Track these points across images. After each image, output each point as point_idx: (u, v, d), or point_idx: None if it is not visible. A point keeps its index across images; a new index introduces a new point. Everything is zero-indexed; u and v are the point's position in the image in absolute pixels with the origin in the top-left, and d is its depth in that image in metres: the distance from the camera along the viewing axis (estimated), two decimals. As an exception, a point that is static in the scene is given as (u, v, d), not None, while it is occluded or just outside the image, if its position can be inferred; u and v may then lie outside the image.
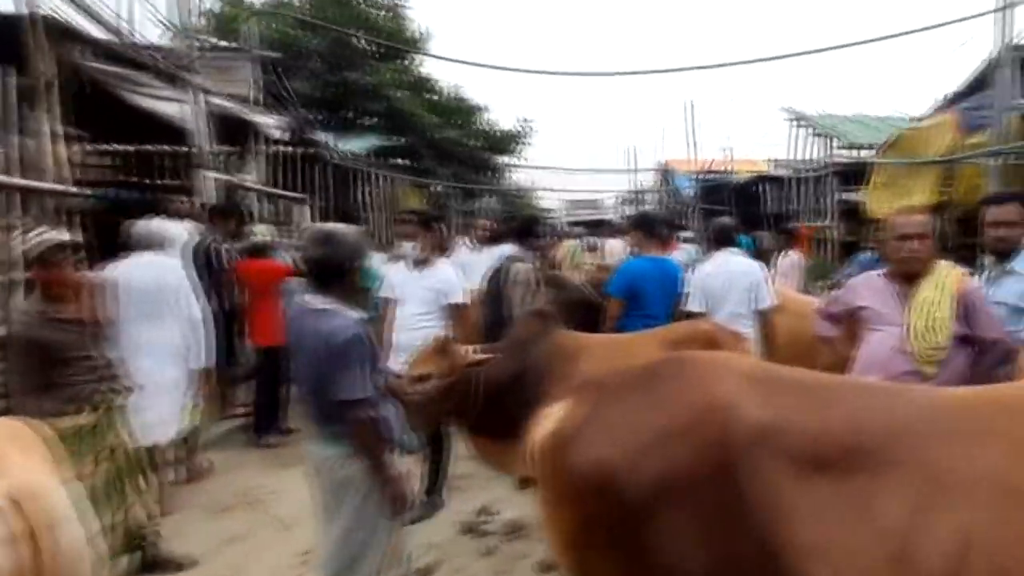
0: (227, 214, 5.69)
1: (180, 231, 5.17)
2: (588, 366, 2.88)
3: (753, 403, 1.43)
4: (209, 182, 6.63)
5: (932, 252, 2.78)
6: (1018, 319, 2.79)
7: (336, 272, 2.37)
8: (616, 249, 9.40)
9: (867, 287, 2.92)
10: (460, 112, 18.46)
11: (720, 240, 4.42)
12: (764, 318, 4.10)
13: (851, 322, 3.00)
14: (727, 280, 4.09)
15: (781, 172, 15.79)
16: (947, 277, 2.69)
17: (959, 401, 1.53)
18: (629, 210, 32.04)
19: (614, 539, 1.46)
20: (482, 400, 2.83)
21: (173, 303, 4.02)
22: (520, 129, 19.89)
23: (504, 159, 21.22)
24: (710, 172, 21.89)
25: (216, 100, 7.15)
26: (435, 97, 17.87)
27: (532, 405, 2.66)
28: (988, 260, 3.14)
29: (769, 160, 18.69)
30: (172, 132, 6.66)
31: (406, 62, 16.97)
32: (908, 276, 2.73)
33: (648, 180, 33.00)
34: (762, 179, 16.47)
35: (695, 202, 21.63)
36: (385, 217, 13.29)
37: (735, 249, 4.36)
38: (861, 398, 1.52)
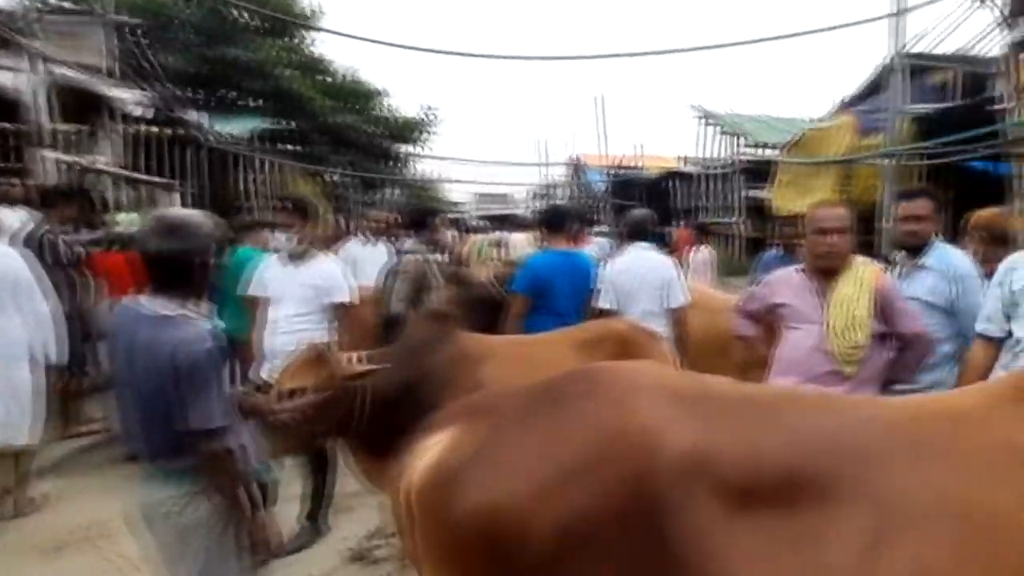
0: (68, 199, 4.99)
1: (11, 218, 4.57)
2: (494, 372, 2.65)
3: (679, 426, 1.27)
4: (49, 163, 5.87)
5: (850, 247, 2.76)
6: (929, 314, 2.86)
7: (182, 270, 1.97)
8: (520, 243, 9.29)
9: (785, 283, 2.87)
10: (357, 96, 17.63)
11: (633, 234, 4.26)
12: (677, 317, 4.01)
13: (769, 319, 2.95)
14: (638, 277, 3.95)
15: (691, 169, 16.38)
16: (864, 273, 2.67)
17: (907, 415, 1.41)
18: (540, 204, 32.44)
19: None
20: (368, 416, 2.54)
21: (14, 295, 3.65)
22: (424, 117, 19.23)
23: (407, 148, 20.47)
24: (621, 167, 22.47)
25: (60, 70, 6.36)
26: (328, 79, 16.97)
27: (423, 419, 2.46)
28: (899, 255, 3.19)
29: (679, 157, 19.40)
30: (4, 105, 5.89)
31: (295, 40, 16.04)
32: (826, 272, 2.69)
33: (560, 174, 33.56)
34: (672, 175, 17.04)
35: (607, 197, 22.14)
36: (272, 207, 12.57)
37: (646, 244, 4.19)
38: (802, 416, 1.38)
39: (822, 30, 8.65)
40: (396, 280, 3.83)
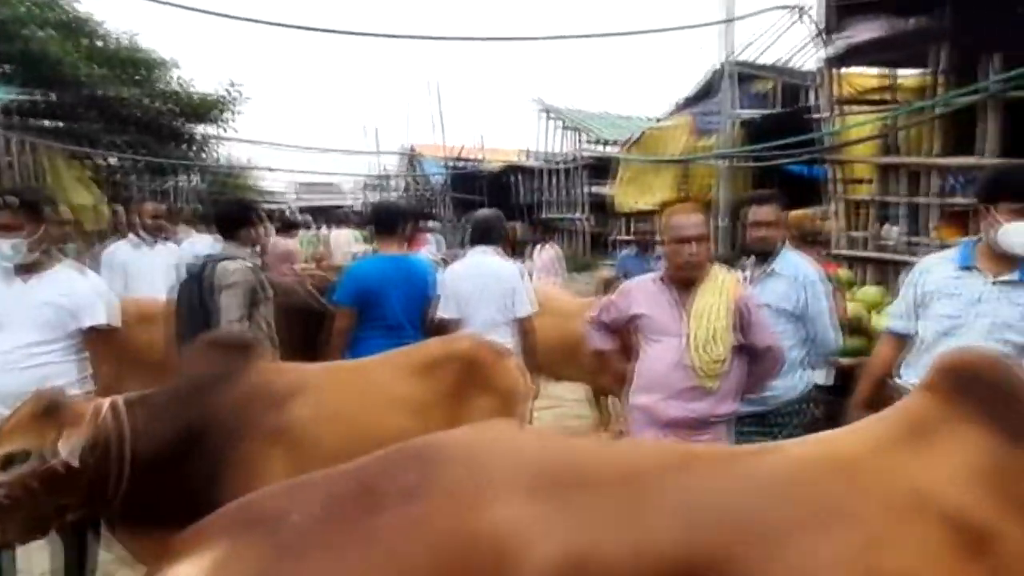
0: None
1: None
2: (305, 412, 2.29)
3: (546, 527, 1.08)
4: None
5: (709, 255, 2.75)
6: (779, 320, 2.97)
7: None
8: (343, 240, 8.60)
9: (642, 292, 2.81)
10: (136, 65, 15.50)
11: (477, 236, 3.97)
12: (525, 327, 3.80)
13: (624, 331, 2.90)
14: (481, 283, 3.71)
15: (533, 163, 16.87)
16: (724, 283, 2.68)
17: (801, 471, 1.32)
18: (373, 196, 31.55)
19: None
20: (132, 481, 2.03)
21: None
22: (226, 94, 17.19)
23: (206, 129, 18.37)
24: (460, 159, 22.52)
25: None
26: (99, 44, 14.71)
27: (218, 476, 2.04)
28: (748, 261, 3.28)
29: (520, 150, 19.88)
30: None
31: None
32: (686, 282, 2.68)
33: (393, 164, 32.87)
34: (514, 169, 17.41)
35: (445, 190, 22.06)
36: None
37: (490, 247, 3.90)
38: (691, 491, 1.24)
39: (654, 31, 9.30)
40: (223, 294, 3.27)
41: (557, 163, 15.04)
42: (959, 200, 6.23)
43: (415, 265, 3.84)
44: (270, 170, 27.77)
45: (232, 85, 17.69)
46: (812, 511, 1.20)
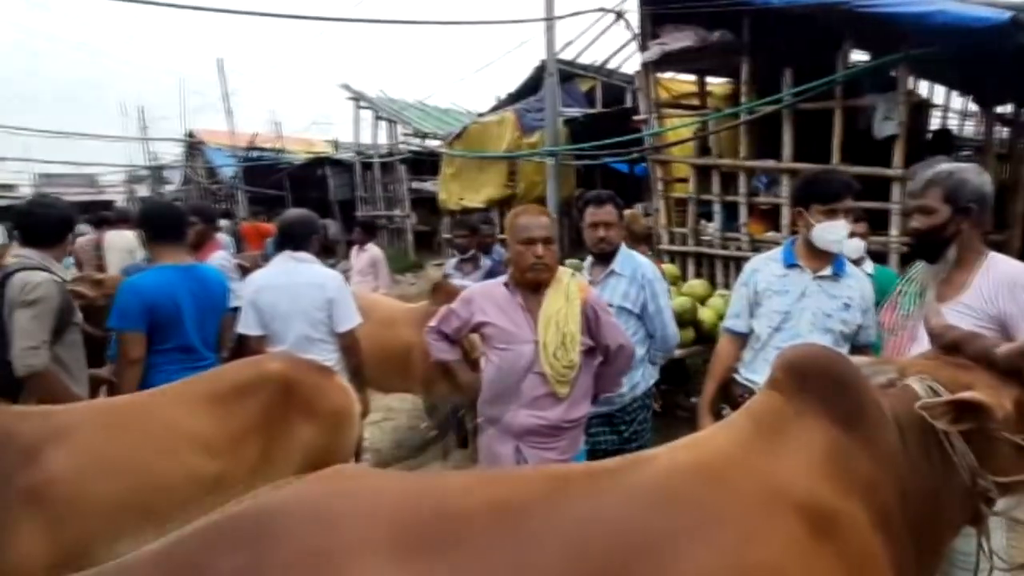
0: None
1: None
2: (67, 463, 2.03)
3: None
4: None
5: (557, 258, 2.78)
6: (623, 319, 3.17)
7: None
8: (122, 245, 7.32)
9: (488, 299, 2.81)
10: None
11: (286, 240, 3.65)
12: (348, 343, 3.56)
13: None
14: (292, 294, 3.44)
15: (347, 156, 16.40)
16: (572, 286, 2.74)
17: (668, 478, 1.42)
18: (145, 190, 28.59)
19: None
20: None
21: None
22: None
23: None
24: (255, 148, 21.20)
25: None
26: None
27: None
28: (587, 262, 3.49)
29: (330, 141, 19.22)
30: None
31: None
32: (533, 285, 2.72)
33: (173, 153, 30.04)
34: (324, 162, 16.79)
35: (237, 183, 20.65)
36: None
37: (301, 252, 3.60)
38: (568, 521, 1.26)
39: (472, 23, 9.65)
40: (25, 311, 2.87)
41: (373, 156, 14.79)
42: (763, 199, 7.34)
43: (206, 275, 3.40)
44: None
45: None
46: (691, 519, 1.32)
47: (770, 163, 7.04)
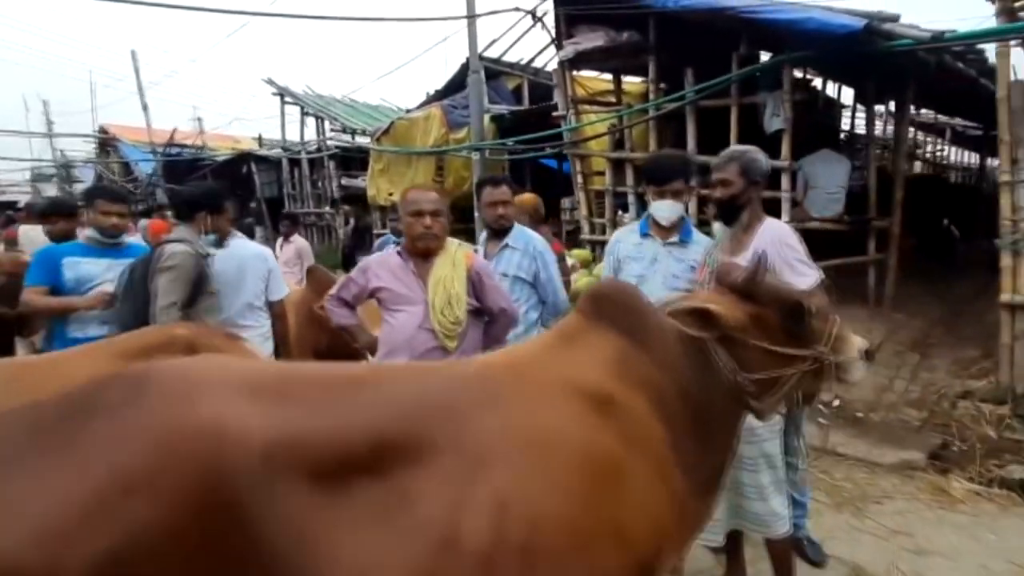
0: None
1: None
2: None
3: (253, 418, 1.30)
4: None
5: (446, 230, 3.24)
6: (518, 287, 3.73)
7: None
8: (39, 239, 7.71)
9: (382, 267, 3.26)
10: None
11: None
12: (279, 310, 4.26)
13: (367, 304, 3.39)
14: (239, 266, 4.06)
15: (273, 152, 16.63)
16: (458, 254, 3.20)
17: (478, 371, 1.79)
18: (51, 189, 27.93)
19: None
20: None
21: None
22: None
23: None
24: (175, 144, 21.15)
25: None
26: None
27: None
28: (482, 236, 4.03)
29: (255, 138, 19.36)
30: None
31: None
32: (424, 253, 3.16)
33: (78, 149, 29.39)
34: (250, 158, 16.97)
35: (156, 180, 20.57)
36: None
37: (238, 232, 4.37)
38: (384, 387, 1.58)
39: (394, 19, 10.20)
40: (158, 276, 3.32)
41: (299, 152, 15.10)
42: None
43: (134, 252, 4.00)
44: None
45: None
46: (486, 396, 1.63)
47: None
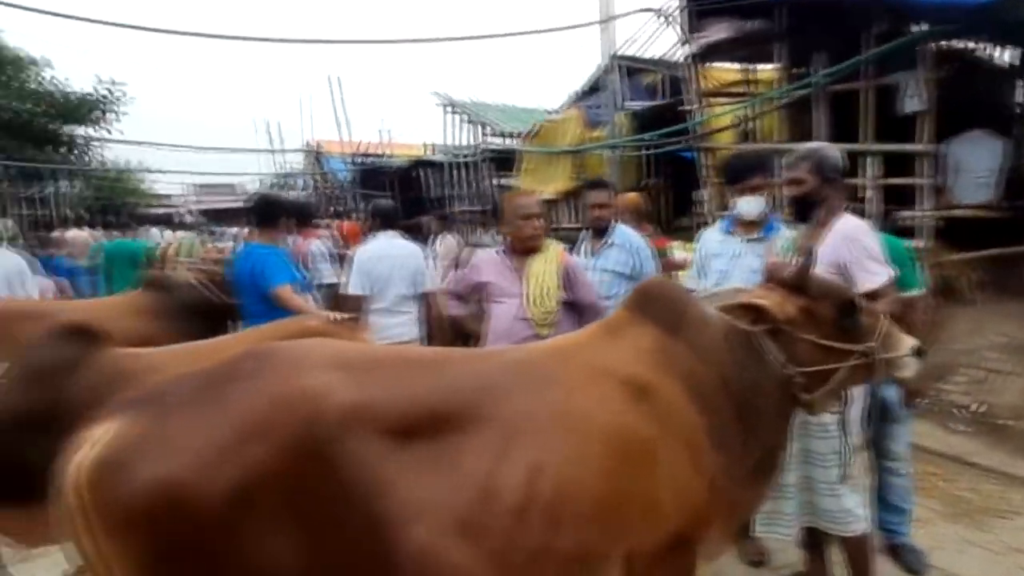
0: None
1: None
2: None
3: (340, 386, 1.57)
4: None
5: (545, 230, 3.48)
6: (618, 282, 3.78)
7: None
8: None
9: (487, 264, 3.54)
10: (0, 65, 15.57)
11: (384, 222, 4.75)
12: (428, 301, 4.58)
13: (476, 298, 3.62)
14: (392, 263, 4.44)
15: (439, 157, 17.54)
16: (552, 252, 3.43)
17: (526, 356, 1.97)
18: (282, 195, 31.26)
19: (196, 566, 1.47)
20: None
21: None
22: (107, 93, 17.43)
23: (85, 131, 18.27)
24: (366, 155, 22.89)
25: None
26: None
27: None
28: (585, 235, 4.10)
29: (426, 144, 20.49)
30: None
31: None
32: (525, 251, 3.40)
33: (298, 162, 32.72)
34: (421, 163, 18.03)
35: (352, 187, 22.38)
36: None
37: (394, 231, 4.67)
38: (445, 369, 1.81)
39: (539, 31, 10.34)
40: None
41: (461, 157, 15.79)
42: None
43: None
44: (161, 172, 27.45)
45: (113, 84, 17.58)
46: (531, 379, 1.81)
47: (805, 145, 7.25)
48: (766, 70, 8.93)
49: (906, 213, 6.53)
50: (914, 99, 6.22)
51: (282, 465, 1.46)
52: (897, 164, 6.68)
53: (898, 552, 3.33)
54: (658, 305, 2.06)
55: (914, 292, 3.13)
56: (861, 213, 6.70)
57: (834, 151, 2.91)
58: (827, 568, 3.04)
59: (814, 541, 3.04)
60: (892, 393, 3.19)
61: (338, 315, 3.63)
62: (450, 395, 1.69)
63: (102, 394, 2.34)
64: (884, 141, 6.71)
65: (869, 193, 6.79)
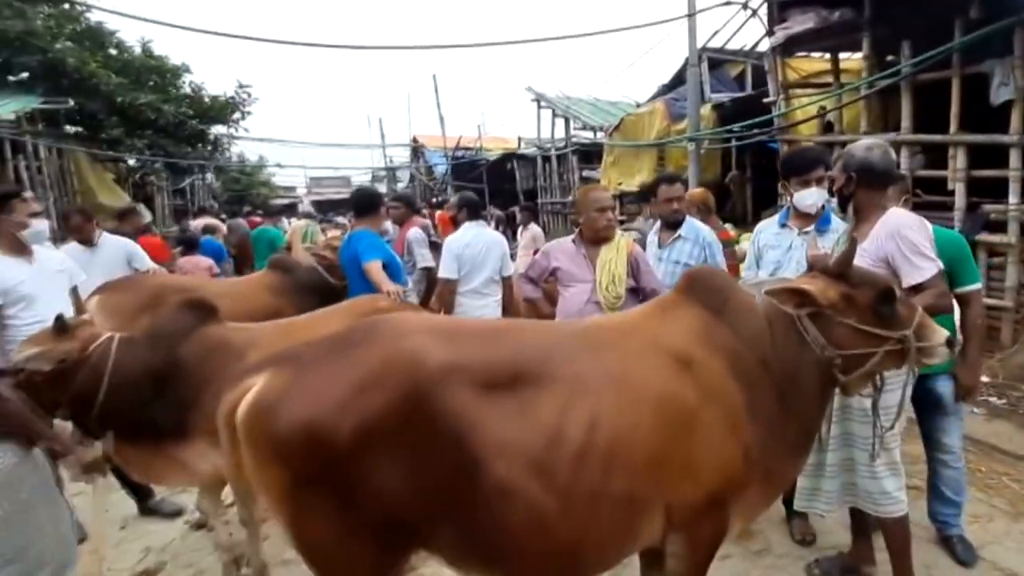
0: None
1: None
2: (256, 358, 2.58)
3: (436, 349, 1.84)
4: None
5: (616, 221, 3.70)
6: None
7: None
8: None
9: (560, 251, 3.73)
10: (152, 72, 17.08)
11: (472, 213, 5.08)
12: (510, 283, 4.89)
13: (549, 282, 3.86)
14: (484, 249, 4.76)
15: (529, 150, 17.78)
16: (621, 242, 3.61)
17: (592, 328, 2.23)
18: (382, 188, 32.67)
19: (328, 489, 1.74)
20: (108, 399, 2.58)
21: None
22: (237, 96, 19.00)
23: (219, 129, 20.10)
24: (461, 148, 23.48)
25: None
26: (114, 52, 16.29)
27: (182, 408, 2.65)
28: (657, 226, 4.20)
29: (519, 138, 20.77)
30: None
31: (66, 6, 15.06)
32: (597, 241, 3.59)
33: (399, 155, 33.88)
34: (512, 156, 18.34)
35: (448, 179, 23.04)
36: (54, 197, 11.97)
37: (480, 221, 5.02)
38: (520, 337, 2.06)
39: (625, 28, 10.32)
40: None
41: (549, 149, 15.94)
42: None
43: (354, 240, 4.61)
44: (279, 166, 29.37)
45: (241, 87, 19.03)
46: (592, 346, 2.03)
47: (889, 136, 6.95)
48: (852, 59, 8.56)
49: (995, 207, 6.16)
50: (1006, 88, 5.83)
51: (392, 410, 1.73)
52: (988, 156, 6.30)
53: (950, 543, 3.29)
54: (705, 289, 2.21)
55: (970, 287, 3.05)
56: (948, 207, 6.40)
57: (871, 149, 2.84)
58: (871, 552, 3.06)
59: (861, 525, 3.07)
60: (946, 388, 3.14)
61: (399, 291, 4.08)
62: (525, 356, 1.93)
63: (207, 358, 2.73)
64: (974, 132, 6.34)
65: (957, 186, 6.45)
